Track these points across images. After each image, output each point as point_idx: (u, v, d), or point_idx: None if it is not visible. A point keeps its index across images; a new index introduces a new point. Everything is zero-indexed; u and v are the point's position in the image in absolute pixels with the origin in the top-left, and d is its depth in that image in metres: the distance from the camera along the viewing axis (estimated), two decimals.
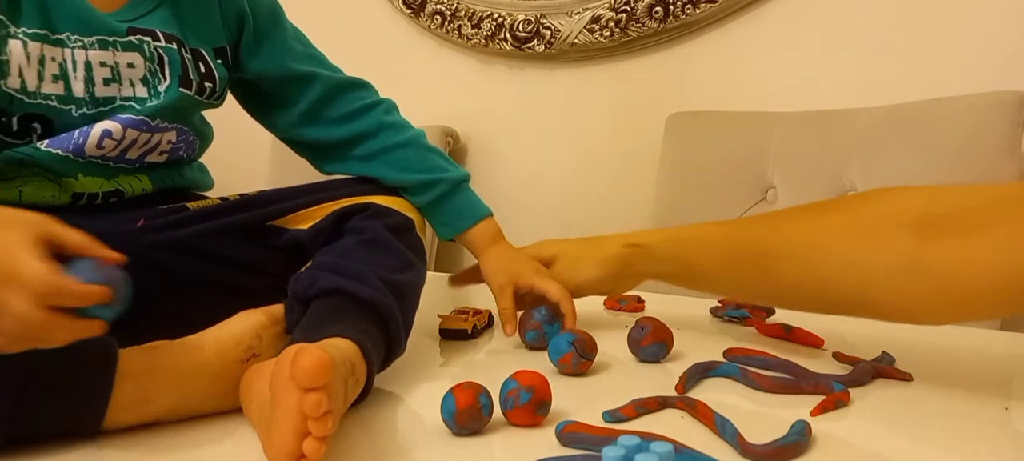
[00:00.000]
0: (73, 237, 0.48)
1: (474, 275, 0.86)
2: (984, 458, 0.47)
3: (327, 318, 0.56)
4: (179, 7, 0.72)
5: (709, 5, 1.34)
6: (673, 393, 0.58)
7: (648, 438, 0.43)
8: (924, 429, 0.51)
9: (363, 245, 0.65)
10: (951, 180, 1.05)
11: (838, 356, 0.66)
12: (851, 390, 0.57)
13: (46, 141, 0.64)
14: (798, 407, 0.54)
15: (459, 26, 1.60)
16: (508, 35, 1.54)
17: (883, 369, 0.62)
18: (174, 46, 0.70)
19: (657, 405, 0.54)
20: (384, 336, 0.59)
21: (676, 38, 1.41)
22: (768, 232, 0.64)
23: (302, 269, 0.64)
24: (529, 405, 0.51)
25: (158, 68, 0.69)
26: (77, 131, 0.65)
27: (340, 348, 0.52)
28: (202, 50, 0.73)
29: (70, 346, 0.50)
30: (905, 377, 0.61)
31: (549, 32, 1.49)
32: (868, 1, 1.24)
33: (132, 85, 0.67)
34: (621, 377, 0.63)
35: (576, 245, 0.79)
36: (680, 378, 0.60)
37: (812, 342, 0.72)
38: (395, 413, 0.57)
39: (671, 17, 1.37)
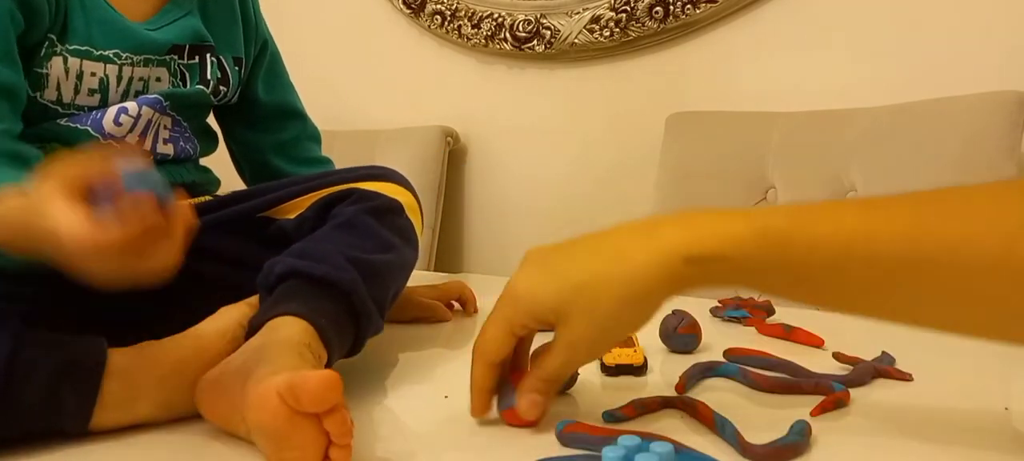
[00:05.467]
0: (92, 169, 0.47)
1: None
2: (984, 458, 0.47)
3: (279, 300, 0.55)
4: (207, 14, 0.78)
5: (709, 5, 1.35)
6: (673, 393, 0.58)
7: (648, 438, 0.43)
8: (924, 429, 0.51)
9: (337, 229, 0.64)
10: (951, 180, 1.05)
11: (838, 356, 0.66)
12: (851, 390, 0.57)
13: (65, 119, 0.67)
14: (798, 407, 0.54)
15: (459, 26, 1.60)
16: (508, 35, 1.54)
17: (883, 369, 0.62)
18: (196, 61, 0.76)
19: (657, 405, 0.54)
20: (350, 312, 0.57)
21: (676, 38, 1.41)
22: (963, 226, 0.43)
23: None
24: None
25: (180, 82, 0.75)
26: (96, 110, 0.68)
27: (289, 327, 0.51)
28: (223, 57, 0.78)
29: (60, 345, 0.50)
30: (905, 377, 0.61)
31: (549, 32, 1.49)
32: (868, 1, 1.24)
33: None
34: (621, 377, 0.63)
35: (588, 279, 0.48)
36: (680, 378, 0.60)
37: (812, 342, 0.72)
38: (392, 413, 0.57)
39: (671, 17, 1.37)
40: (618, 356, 0.63)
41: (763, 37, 1.34)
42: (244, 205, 0.71)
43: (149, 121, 0.72)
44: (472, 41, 1.59)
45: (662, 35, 1.41)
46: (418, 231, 0.74)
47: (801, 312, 0.90)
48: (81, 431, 0.50)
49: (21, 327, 0.50)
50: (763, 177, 1.23)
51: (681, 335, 0.70)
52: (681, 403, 0.54)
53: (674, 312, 0.71)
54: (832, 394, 0.55)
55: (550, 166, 1.57)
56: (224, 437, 0.51)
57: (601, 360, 0.64)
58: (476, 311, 0.92)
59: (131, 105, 0.70)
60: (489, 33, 1.56)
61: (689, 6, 1.36)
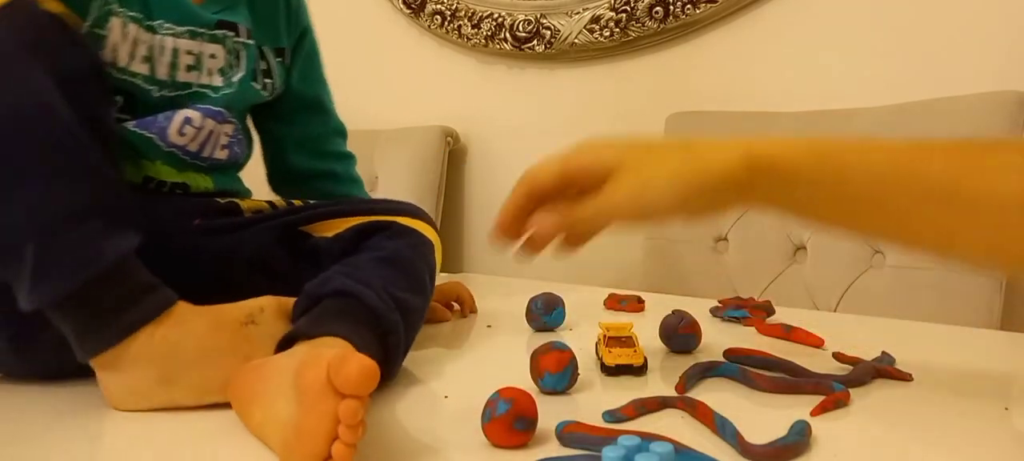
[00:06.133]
0: None
1: None
2: (984, 458, 0.47)
3: (331, 316, 0.56)
4: (254, 5, 0.80)
5: (709, 5, 1.35)
6: (673, 393, 0.58)
7: (648, 438, 0.43)
8: (924, 429, 0.51)
9: (380, 262, 0.66)
10: None
11: (838, 356, 0.66)
12: (851, 390, 0.57)
13: (133, 122, 0.69)
14: (798, 407, 0.54)
15: (459, 26, 1.60)
16: (508, 35, 1.54)
17: (883, 369, 0.62)
18: (252, 42, 0.78)
19: (657, 405, 0.54)
20: (382, 350, 0.59)
21: (676, 38, 1.41)
22: (1009, 173, 0.46)
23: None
24: (506, 417, 0.47)
25: (235, 60, 0.77)
26: (161, 115, 0.71)
27: (333, 348, 0.52)
28: (266, 48, 0.81)
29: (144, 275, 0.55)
30: (905, 377, 0.61)
31: (549, 32, 1.49)
32: (868, 1, 1.24)
33: (210, 74, 0.74)
34: (621, 377, 0.63)
35: (654, 143, 0.52)
36: (680, 378, 0.60)
37: (812, 342, 0.72)
38: (392, 414, 0.57)
39: (671, 17, 1.37)
40: (618, 356, 0.63)
41: (763, 37, 1.34)
42: (291, 217, 0.74)
43: (211, 132, 0.74)
44: (472, 41, 1.59)
45: (662, 35, 1.41)
46: (439, 251, 0.76)
47: (801, 312, 0.90)
48: (105, 345, 0.53)
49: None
50: None
51: (681, 335, 0.70)
52: (681, 403, 0.54)
53: (674, 312, 0.71)
54: (832, 394, 0.55)
55: None
56: (222, 436, 0.51)
57: (601, 360, 0.64)
58: (474, 311, 0.92)
59: (194, 115, 0.72)
60: (489, 33, 1.56)
61: (689, 6, 1.36)
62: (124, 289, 0.53)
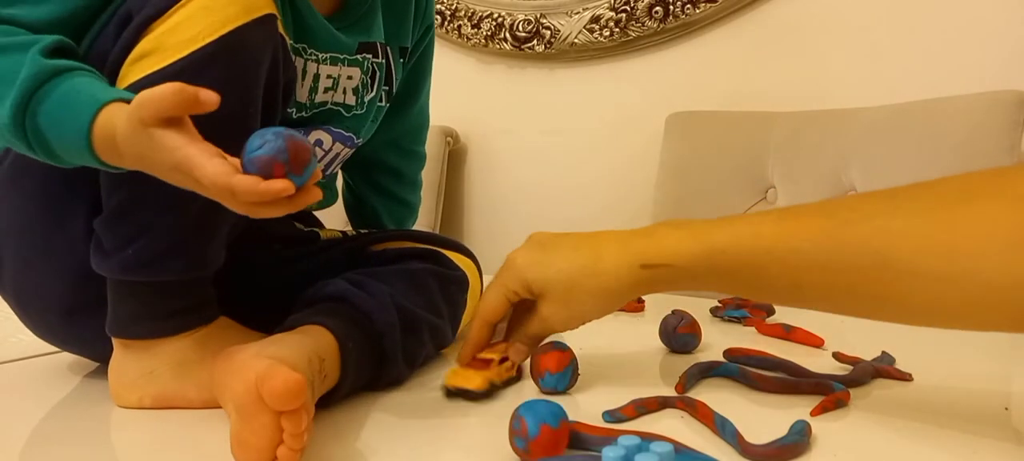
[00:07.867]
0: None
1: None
2: (984, 458, 0.47)
3: (320, 314, 0.57)
4: (389, 6, 0.77)
5: (709, 5, 1.35)
6: (673, 393, 0.58)
7: (648, 438, 0.43)
8: (924, 429, 0.51)
9: (399, 274, 0.66)
10: None
11: (838, 356, 0.66)
12: (851, 390, 0.57)
13: None
14: (798, 407, 0.54)
15: (459, 26, 1.60)
16: (508, 35, 1.54)
17: (883, 369, 0.62)
18: (385, 59, 0.76)
19: (657, 405, 0.54)
20: (377, 351, 0.58)
21: (676, 38, 1.41)
22: (873, 234, 0.49)
23: None
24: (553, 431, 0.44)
25: (370, 80, 0.75)
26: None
27: (318, 336, 0.53)
28: (390, 49, 0.78)
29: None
30: (905, 377, 0.61)
31: (549, 32, 1.49)
32: (868, 1, 1.24)
33: (344, 93, 0.73)
34: (621, 377, 0.63)
35: (568, 269, 0.58)
36: (680, 378, 0.60)
37: (812, 342, 0.72)
38: (392, 413, 0.57)
39: (671, 17, 1.37)
40: (458, 377, 0.58)
41: (763, 37, 1.34)
42: (359, 241, 0.76)
43: (338, 154, 0.75)
44: (472, 41, 1.59)
45: (662, 35, 1.41)
46: (477, 292, 0.75)
47: (801, 312, 0.90)
48: (153, 335, 0.55)
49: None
50: (763, 177, 1.23)
51: (681, 335, 0.70)
52: (681, 403, 0.54)
53: (674, 312, 0.71)
54: (832, 394, 0.55)
55: (550, 166, 1.57)
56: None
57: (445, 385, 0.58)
58: None
59: (326, 138, 0.72)
60: (489, 33, 1.56)
61: (689, 6, 1.36)
62: (198, 297, 0.57)
